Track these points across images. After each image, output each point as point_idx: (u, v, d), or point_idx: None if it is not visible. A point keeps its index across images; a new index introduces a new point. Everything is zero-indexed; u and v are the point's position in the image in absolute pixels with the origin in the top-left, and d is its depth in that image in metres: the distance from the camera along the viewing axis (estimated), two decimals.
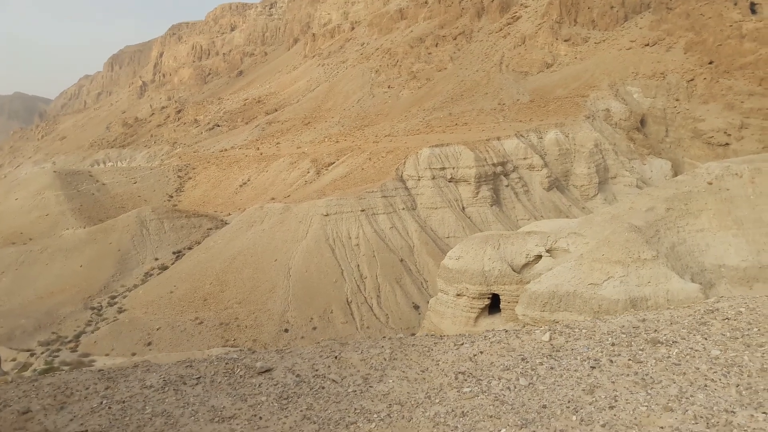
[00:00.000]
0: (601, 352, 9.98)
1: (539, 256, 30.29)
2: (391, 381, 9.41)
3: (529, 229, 33.65)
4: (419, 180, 66.66)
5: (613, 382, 8.66)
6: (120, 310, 51.95)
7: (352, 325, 50.21)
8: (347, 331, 49.39)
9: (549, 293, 25.19)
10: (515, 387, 8.82)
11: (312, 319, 50.35)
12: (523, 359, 10.00)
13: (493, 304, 31.00)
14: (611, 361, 9.45)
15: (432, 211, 64.56)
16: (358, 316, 51.31)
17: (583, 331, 11.26)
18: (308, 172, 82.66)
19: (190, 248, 65.87)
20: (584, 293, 24.13)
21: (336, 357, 10.64)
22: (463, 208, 66.84)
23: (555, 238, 30.32)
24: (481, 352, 10.67)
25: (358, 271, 55.83)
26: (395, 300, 53.50)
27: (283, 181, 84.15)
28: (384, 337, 13.26)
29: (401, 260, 57.65)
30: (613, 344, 10.26)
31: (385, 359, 10.62)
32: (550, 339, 10.81)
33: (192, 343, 47.64)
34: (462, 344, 11.28)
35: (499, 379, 9.16)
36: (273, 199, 76.25)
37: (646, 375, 8.80)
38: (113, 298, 54.96)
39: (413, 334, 13.64)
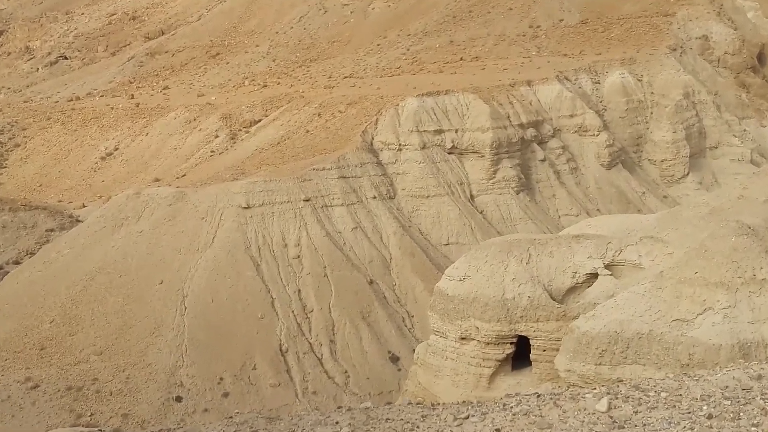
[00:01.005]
0: (692, 429, 10.20)
1: (594, 275, 30.70)
2: None
3: (578, 232, 34.06)
4: (400, 150, 66.88)
5: None
6: None
7: (289, 389, 50.10)
8: (281, 398, 49.19)
9: (609, 335, 25.61)
10: None
11: (222, 379, 50.01)
12: None
13: (520, 354, 31.33)
14: None
15: (421, 202, 64.88)
16: (299, 375, 51.20)
17: (663, 395, 11.44)
18: (216, 137, 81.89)
19: (17, 263, 64.54)
20: (666, 335, 24.62)
21: None
22: (472, 196, 67.36)
23: (619, 245, 30.77)
24: (498, 430, 10.76)
25: (300, 301, 55.60)
26: (360, 347, 53.54)
27: (175, 151, 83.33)
28: (341, 408, 13.34)
29: (370, 282, 57.67)
30: (710, 416, 10.49)
31: None
32: (610, 409, 10.95)
33: (22, 420, 46.71)
34: (467, 417, 11.38)
35: None
36: (158, 180, 75.20)
37: None
38: None
39: (389, 403, 13.72)
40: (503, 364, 31.61)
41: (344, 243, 59.77)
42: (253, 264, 56.23)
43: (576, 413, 11.29)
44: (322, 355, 53.03)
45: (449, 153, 67.83)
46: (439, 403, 13.65)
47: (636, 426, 10.55)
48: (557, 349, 28.59)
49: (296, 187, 60.16)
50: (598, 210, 69.38)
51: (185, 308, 53.52)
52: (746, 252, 25.21)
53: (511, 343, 31.16)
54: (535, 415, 11.36)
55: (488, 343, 31.13)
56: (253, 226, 58.15)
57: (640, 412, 11.04)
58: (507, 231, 62.04)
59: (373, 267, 59.17)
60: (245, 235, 57.63)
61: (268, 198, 59.43)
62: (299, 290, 56.08)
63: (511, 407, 11.99)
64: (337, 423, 11.62)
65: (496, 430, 10.89)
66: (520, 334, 30.75)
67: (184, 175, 75.04)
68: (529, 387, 27.90)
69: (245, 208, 58.65)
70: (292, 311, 54.69)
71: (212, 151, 79.38)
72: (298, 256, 57.71)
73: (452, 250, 61.51)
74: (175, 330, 52.28)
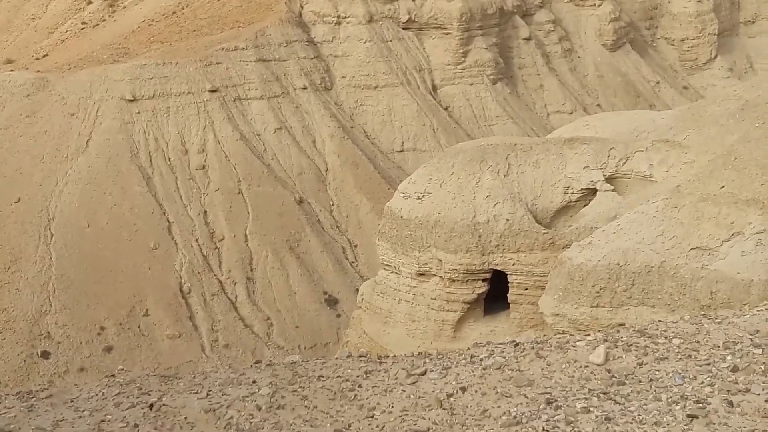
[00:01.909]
0: (712, 385, 10.42)
1: (591, 191, 30.96)
2: None
3: (572, 134, 34.18)
4: (339, 24, 66.28)
5: None
6: None
7: (193, 342, 50.47)
8: (181, 354, 49.53)
9: (610, 269, 25.95)
10: None
11: (103, 329, 50.10)
12: (549, 403, 10.34)
13: (495, 295, 31.73)
14: (731, 403, 9.94)
15: (367, 95, 64.75)
16: (206, 323, 51.57)
17: (676, 342, 11.68)
18: (89, 2, 79.74)
19: None
20: (683, 268, 25.02)
21: (150, 407, 10.94)
22: (434, 87, 67.33)
23: (625, 152, 30.97)
24: (463, 390, 10.85)
25: (206, 227, 55.67)
26: (286, 287, 53.97)
27: (32, 23, 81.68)
28: (259, 363, 13.40)
29: (300, 201, 57.90)
30: (735, 369, 10.73)
31: (258, 408, 10.77)
32: (607, 360, 11.14)
33: None
34: (424, 373, 11.44)
35: None
36: (10, 63, 74.15)
37: None
38: None
39: (323, 357, 13.81)
40: (473, 307, 31.88)
41: (265, 149, 59.62)
42: (142, 176, 55.92)
43: (564, 366, 11.47)
44: (236, 297, 53.27)
45: (404, 29, 67.37)
46: (388, 356, 13.77)
47: (641, 381, 10.79)
48: (543, 288, 28.88)
49: (199, 74, 59.45)
50: (598, 105, 69.75)
51: (51, 236, 53.15)
52: None
53: (483, 281, 31.35)
54: (512, 370, 11.49)
55: (454, 281, 31.29)
56: (142, 126, 57.60)
57: (646, 364, 11.24)
58: (480, 133, 62.19)
59: (303, 181, 59.20)
60: (131, 138, 57.10)
61: (161, 87, 58.75)
62: (205, 212, 56.00)
63: (481, 359, 12.08)
64: (254, 382, 11.68)
65: (461, 388, 11.04)
66: (495, 268, 30.95)
67: (46, 55, 73.75)
68: (505, 335, 28.30)
69: (130, 101, 57.94)
70: (196, 240, 54.67)
71: (84, 23, 77.70)
72: (203, 167, 57.42)
73: (408, 159, 61.90)
74: (39, 264, 51.90)
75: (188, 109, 58.86)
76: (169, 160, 57.36)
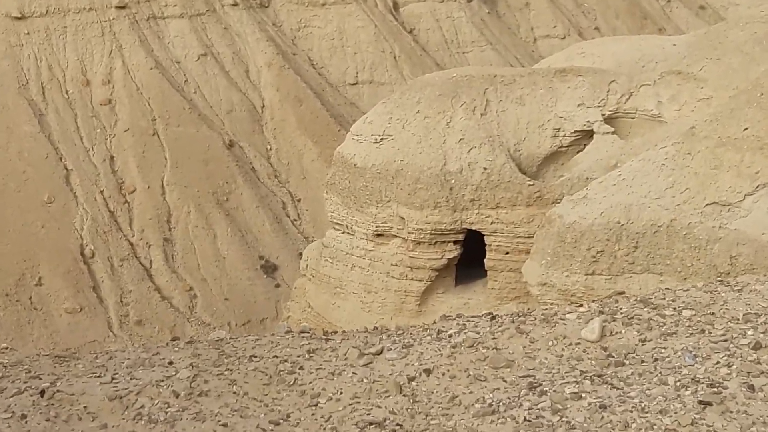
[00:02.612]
0: (729, 366, 10.52)
1: (588, 133, 31.11)
2: None
3: (564, 64, 34.24)
4: None
5: None
6: None
7: (98, 317, 50.60)
8: (84, 331, 49.61)
9: (609, 229, 26.16)
10: None
11: None
12: (532, 388, 10.40)
13: (470, 260, 31.87)
14: (751, 387, 10.03)
15: (313, 14, 64.66)
16: (114, 294, 51.67)
17: (687, 315, 11.78)
18: None
19: None
20: (697, 228, 25.26)
21: (41, 393, 10.80)
22: (396, 4, 67.36)
23: (628, 86, 31.12)
24: (428, 372, 10.90)
25: (113, 176, 55.63)
26: (214, 251, 54.16)
27: None
28: (176, 341, 13.37)
29: (230, 145, 57.92)
30: (757, 346, 10.82)
31: (176, 395, 10.75)
32: (603, 336, 11.21)
33: None
34: (380, 353, 11.53)
35: None
36: None
37: None
38: None
39: (256, 335, 13.79)
40: (442, 275, 32.12)
41: (186, 80, 59.63)
42: (33, 113, 55.85)
43: (551, 344, 11.48)
44: (151, 262, 53.45)
45: None
46: (336, 331, 13.76)
47: (643, 362, 10.82)
48: (527, 252, 29.13)
49: None
50: (596, 29, 69.98)
51: None
52: None
53: (455, 243, 31.57)
54: (488, 348, 11.49)
55: (419, 243, 31.47)
56: (32, 50, 57.53)
57: (650, 340, 11.28)
58: (452, 63, 62.20)
59: (233, 120, 59.32)
60: (19, 65, 57.06)
61: (56, 2, 58.35)
62: (111, 157, 56.02)
63: (450, 336, 12.06)
64: (170, 364, 11.62)
65: (425, 371, 11.07)
66: (469, 227, 31.15)
67: None
68: (481, 308, 28.45)
69: (18, 18, 57.64)
70: (101, 192, 54.63)
71: None
72: (110, 101, 57.39)
73: (363, 93, 62.05)
74: None
75: (90, 29, 58.48)
76: (67, 92, 57.20)
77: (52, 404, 10.62)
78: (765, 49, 29.24)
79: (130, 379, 11.22)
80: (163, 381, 11.12)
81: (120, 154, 55.87)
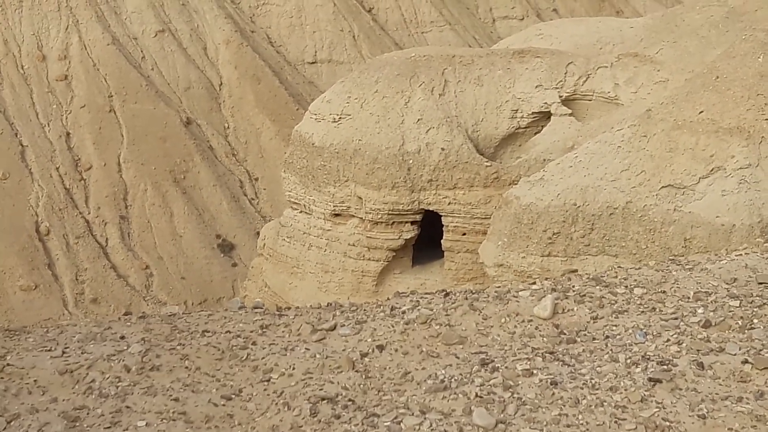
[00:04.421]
0: (679, 344, 10.62)
1: (545, 115, 31.14)
2: None
3: (522, 45, 34.26)
4: None
5: (702, 418, 9.30)
6: None
7: (53, 295, 50.32)
8: (39, 308, 49.31)
9: (565, 210, 26.18)
10: None
11: None
12: (484, 365, 10.45)
13: (427, 241, 31.88)
14: (701, 365, 10.15)
15: None
16: (69, 272, 51.42)
17: (638, 293, 11.85)
18: None
19: None
20: (652, 210, 25.32)
21: None
22: None
23: (585, 68, 31.17)
24: (381, 348, 10.96)
25: (70, 153, 55.35)
26: (170, 229, 53.97)
27: None
28: (128, 316, 13.28)
29: (187, 123, 57.66)
30: (707, 324, 10.91)
31: (127, 370, 10.71)
32: (555, 313, 11.25)
33: None
34: (333, 329, 11.52)
35: (420, 420, 9.45)
36: None
37: None
38: None
39: (209, 310, 13.70)
40: (399, 255, 32.10)
41: (143, 57, 59.21)
42: None
43: (503, 321, 11.54)
44: (107, 240, 53.15)
45: None
46: (289, 307, 13.72)
47: (594, 339, 10.90)
48: (484, 233, 29.14)
49: None
50: (554, 11, 69.92)
51: None
52: None
53: (412, 223, 31.54)
54: (440, 324, 11.51)
55: (377, 223, 31.43)
56: None
57: (602, 318, 11.38)
58: (411, 42, 61.93)
59: (191, 98, 59.02)
60: None
61: None
62: (68, 134, 55.66)
63: (403, 312, 12.08)
64: (122, 338, 11.56)
65: (378, 347, 11.08)
66: (426, 208, 31.12)
67: None
68: (437, 287, 28.41)
69: None
70: (56, 168, 54.24)
71: None
72: (66, 77, 56.94)
73: (322, 72, 61.79)
74: None
75: (47, 4, 57.95)
76: (23, 68, 56.71)
77: (2, 378, 10.54)
78: (721, 33, 29.35)
79: (81, 353, 11.14)
80: (114, 355, 11.08)
81: (76, 131, 55.50)
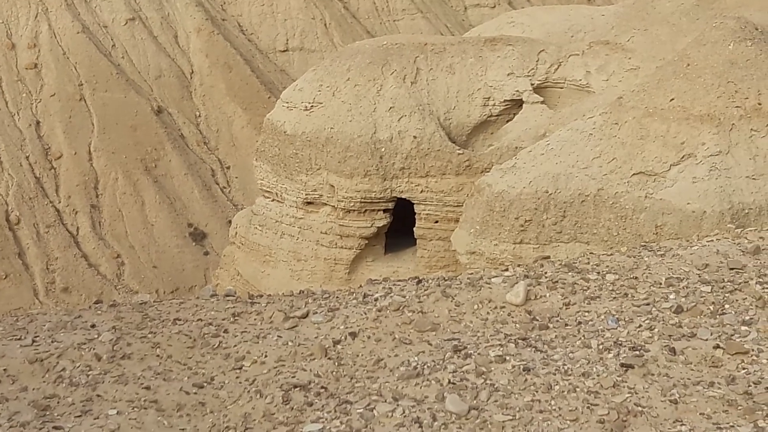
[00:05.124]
0: (651, 330, 10.67)
1: (516, 102, 31.17)
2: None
3: (493, 33, 34.27)
4: None
5: (674, 403, 9.32)
6: None
7: (23, 284, 50.23)
8: (9, 298, 49.21)
9: (537, 198, 26.23)
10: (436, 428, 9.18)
11: None
12: (457, 351, 10.45)
13: (399, 229, 31.89)
14: (673, 350, 10.20)
15: None
16: (40, 261, 51.30)
17: (610, 279, 11.89)
18: None
19: None
20: (623, 197, 25.42)
21: None
22: None
23: (557, 56, 31.21)
24: (353, 335, 10.93)
25: (39, 141, 55.09)
26: (141, 217, 53.86)
27: None
28: (99, 304, 13.22)
29: (158, 111, 57.51)
30: (678, 310, 10.95)
31: (98, 358, 10.67)
32: (528, 300, 11.26)
33: None
34: (306, 316, 11.48)
35: (393, 406, 9.47)
36: None
37: (758, 382, 9.51)
38: None
39: (180, 298, 13.65)
40: (372, 243, 32.12)
41: (113, 45, 58.93)
42: None
43: (476, 307, 11.52)
44: (77, 229, 52.96)
45: None
46: (262, 294, 13.68)
47: (567, 325, 10.91)
48: (456, 220, 29.17)
49: None
50: None
51: None
52: (750, 68, 25.95)
53: (384, 211, 31.56)
54: (413, 311, 11.48)
55: (349, 211, 31.44)
56: None
57: (574, 304, 11.38)
58: (382, 30, 61.98)
59: (162, 86, 58.81)
60: None
61: None
62: (37, 122, 55.37)
63: (376, 300, 12.05)
64: (92, 327, 11.48)
65: (350, 334, 11.07)
66: (399, 196, 31.14)
67: None
68: (410, 274, 28.45)
69: None
70: (26, 157, 53.92)
71: None
72: (35, 65, 56.63)
73: (293, 60, 61.73)
74: None
75: None
76: None
77: None
78: (691, 20, 29.47)
79: (52, 341, 11.05)
80: (85, 344, 10.99)
81: (46, 120, 55.23)
